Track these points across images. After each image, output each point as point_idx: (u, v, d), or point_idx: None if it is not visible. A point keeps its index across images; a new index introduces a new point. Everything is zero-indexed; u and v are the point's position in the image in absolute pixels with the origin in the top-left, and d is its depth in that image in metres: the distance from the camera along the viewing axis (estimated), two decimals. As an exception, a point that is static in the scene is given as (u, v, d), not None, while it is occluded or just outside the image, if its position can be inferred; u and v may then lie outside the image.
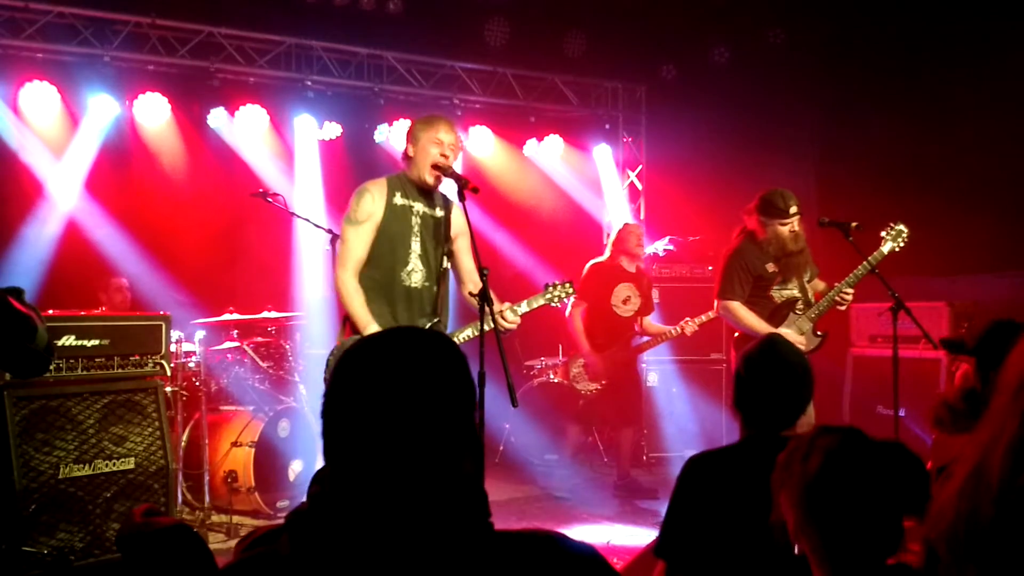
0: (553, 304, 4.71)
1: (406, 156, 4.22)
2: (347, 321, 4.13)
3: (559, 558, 1.36)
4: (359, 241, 4.06)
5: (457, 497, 1.31)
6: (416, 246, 4.14)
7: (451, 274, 4.42)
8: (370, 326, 3.93)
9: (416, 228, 4.14)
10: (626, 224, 6.88)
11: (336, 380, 1.34)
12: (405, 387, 1.31)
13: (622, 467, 6.65)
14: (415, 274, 4.13)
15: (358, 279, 4.06)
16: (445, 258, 4.26)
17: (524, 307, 4.35)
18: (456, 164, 4.29)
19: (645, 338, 6.72)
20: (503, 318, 3.98)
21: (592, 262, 6.72)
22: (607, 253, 6.75)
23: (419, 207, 4.17)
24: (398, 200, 4.13)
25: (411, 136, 4.20)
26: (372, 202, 4.08)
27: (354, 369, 1.34)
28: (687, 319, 6.40)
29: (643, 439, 7.60)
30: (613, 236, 6.82)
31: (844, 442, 1.69)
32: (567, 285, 4.53)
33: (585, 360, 6.66)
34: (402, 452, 1.28)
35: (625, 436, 6.67)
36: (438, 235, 4.23)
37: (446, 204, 4.31)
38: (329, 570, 1.26)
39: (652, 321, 6.76)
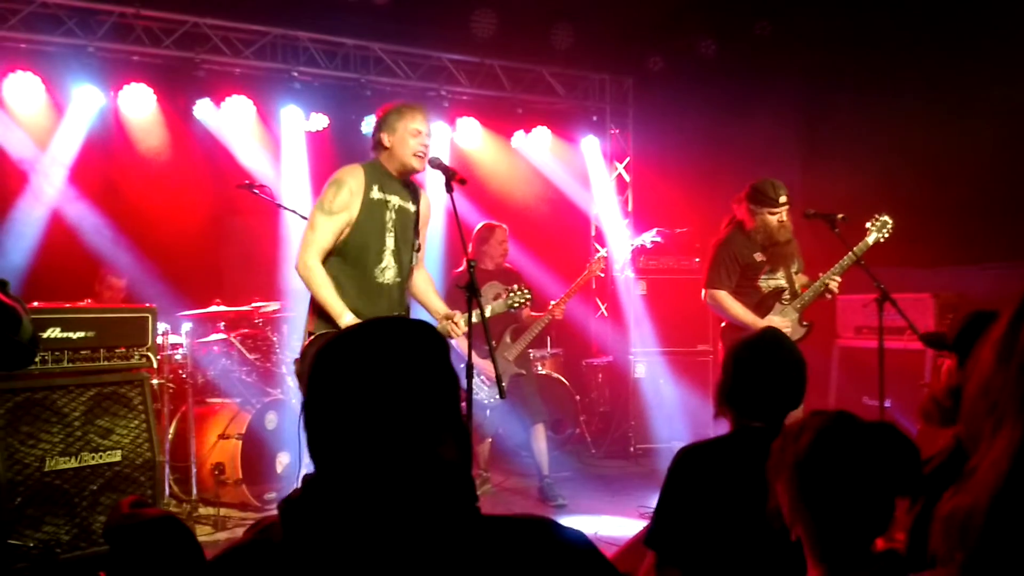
0: (512, 310, 4.95)
1: (380, 145, 4.18)
2: (313, 308, 4.04)
3: (551, 543, 1.36)
4: (328, 231, 3.98)
5: (438, 482, 1.31)
6: (390, 242, 4.11)
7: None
8: (344, 315, 3.86)
9: (390, 224, 4.11)
10: (486, 224, 6.51)
11: (318, 371, 1.36)
12: (383, 376, 1.32)
13: (541, 466, 6.26)
14: (388, 271, 4.11)
15: (331, 270, 3.99)
16: (415, 255, 4.28)
17: (488, 311, 4.51)
18: (444, 156, 4.31)
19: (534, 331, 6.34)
20: (455, 327, 4.11)
21: (456, 272, 6.34)
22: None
23: (394, 201, 4.14)
24: (375, 194, 4.08)
25: (385, 125, 4.16)
26: (349, 195, 4.02)
27: (336, 359, 1.36)
28: (553, 303, 6.20)
29: (631, 430, 7.63)
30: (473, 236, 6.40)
31: (835, 421, 1.72)
32: (525, 291, 4.83)
33: (479, 369, 6.00)
34: (382, 439, 1.30)
35: (537, 434, 6.28)
36: (409, 230, 4.22)
37: (416, 195, 4.30)
38: (320, 556, 1.27)
39: (531, 313, 6.35)
